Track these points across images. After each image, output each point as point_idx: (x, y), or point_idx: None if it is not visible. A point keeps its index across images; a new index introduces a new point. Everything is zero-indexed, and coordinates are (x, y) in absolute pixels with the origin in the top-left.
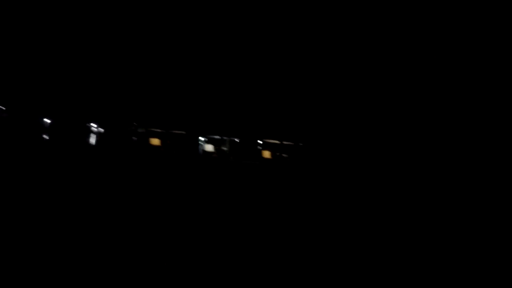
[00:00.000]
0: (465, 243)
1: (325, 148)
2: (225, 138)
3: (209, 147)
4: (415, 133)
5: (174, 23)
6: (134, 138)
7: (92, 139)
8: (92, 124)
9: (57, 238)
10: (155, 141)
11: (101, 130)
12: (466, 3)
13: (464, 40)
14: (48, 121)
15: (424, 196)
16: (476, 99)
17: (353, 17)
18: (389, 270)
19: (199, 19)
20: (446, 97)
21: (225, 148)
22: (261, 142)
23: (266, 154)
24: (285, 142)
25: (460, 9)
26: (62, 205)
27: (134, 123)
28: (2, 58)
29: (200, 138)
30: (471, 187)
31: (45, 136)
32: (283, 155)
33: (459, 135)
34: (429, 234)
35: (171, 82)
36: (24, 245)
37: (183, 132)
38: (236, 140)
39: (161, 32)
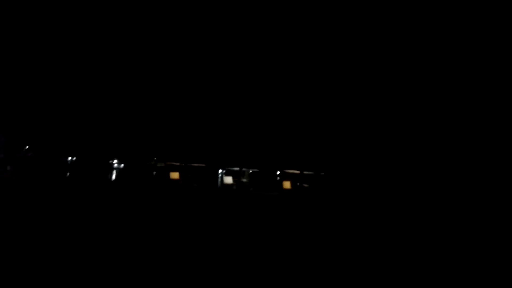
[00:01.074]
0: (465, 243)
1: (348, 177)
2: (244, 169)
3: (229, 179)
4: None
5: (191, 56)
6: (154, 172)
7: (113, 175)
8: (113, 161)
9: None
10: (175, 175)
11: (122, 166)
12: (466, 3)
13: (464, 40)
14: (70, 158)
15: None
16: (476, 99)
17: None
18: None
19: (218, 51)
20: (449, 99)
21: (244, 180)
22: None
23: (287, 184)
24: (305, 172)
25: (460, 9)
26: (83, 240)
27: (154, 158)
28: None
29: (219, 170)
30: (472, 187)
31: (67, 173)
32: (304, 185)
33: (460, 136)
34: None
35: (189, 116)
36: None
37: (203, 165)
38: (255, 171)
39: (179, 67)
